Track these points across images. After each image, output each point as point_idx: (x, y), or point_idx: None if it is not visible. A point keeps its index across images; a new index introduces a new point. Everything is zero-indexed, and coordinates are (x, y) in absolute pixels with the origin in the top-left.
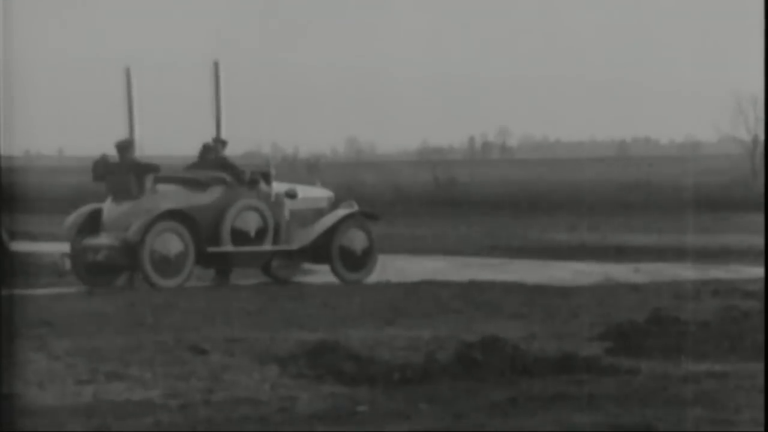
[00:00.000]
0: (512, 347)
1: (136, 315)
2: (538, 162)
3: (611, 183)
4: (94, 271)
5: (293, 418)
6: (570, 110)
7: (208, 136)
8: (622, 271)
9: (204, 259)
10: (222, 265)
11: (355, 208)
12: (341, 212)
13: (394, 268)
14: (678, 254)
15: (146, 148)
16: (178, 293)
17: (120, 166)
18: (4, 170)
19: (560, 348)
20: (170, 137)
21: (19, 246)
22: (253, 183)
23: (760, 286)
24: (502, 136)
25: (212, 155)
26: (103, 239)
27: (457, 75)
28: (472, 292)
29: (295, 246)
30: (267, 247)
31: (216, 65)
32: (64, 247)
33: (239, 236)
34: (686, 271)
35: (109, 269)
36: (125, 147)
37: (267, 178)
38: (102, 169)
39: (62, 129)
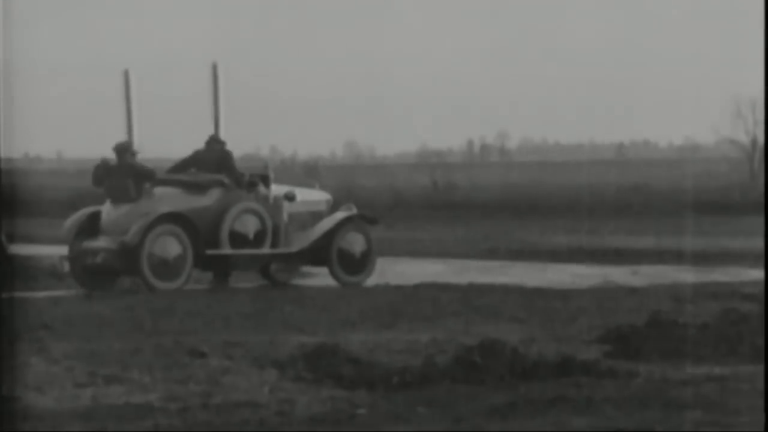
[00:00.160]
0: (511, 350)
1: (135, 318)
2: (536, 165)
3: (610, 186)
4: (93, 274)
5: (292, 421)
6: (568, 113)
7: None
8: (621, 274)
9: (202, 262)
10: (221, 268)
11: (354, 211)
12: (340, 215)
13: (393, 272)
14: (677, 257)
15: (145, 151)
16: (177, 296)
17: (118, 169)
18: (3, 173)
19: (559, 351)
20: (169, 139)
21: (18, 249)
22: (251, 186)
23: (759, 289)
24: (501, 139)
25: (219, 147)
26: (101, 242)
27: (456, 78)
28: (471, 295)
29: (293, 249)
30: (265, 250)
31: (215, 68)
32: (63, 250)
33: (238, 239)
34: (685, 274)
35: (108, 272)
36: (123, 149)
37: (266, 180)
38: (102, 174)
39: (61, 132)
